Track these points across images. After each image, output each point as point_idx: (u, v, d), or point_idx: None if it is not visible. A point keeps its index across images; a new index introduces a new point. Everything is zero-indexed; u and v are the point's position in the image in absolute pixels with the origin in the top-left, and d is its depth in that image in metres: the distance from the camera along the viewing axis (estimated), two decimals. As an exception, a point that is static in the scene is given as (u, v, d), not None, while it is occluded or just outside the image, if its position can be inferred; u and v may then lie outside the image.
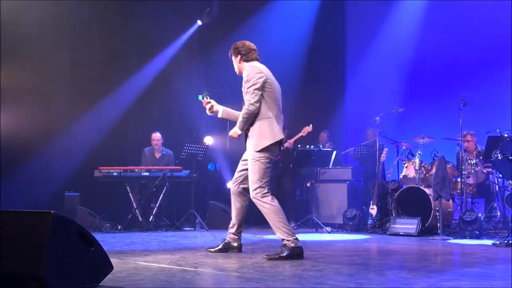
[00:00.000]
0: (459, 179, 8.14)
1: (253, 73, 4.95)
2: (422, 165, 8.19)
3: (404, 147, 8.62)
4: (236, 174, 5.20)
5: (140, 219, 8.47)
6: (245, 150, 5.10)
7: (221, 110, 5.28)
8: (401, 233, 7.56)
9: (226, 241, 5.26)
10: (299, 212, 9.20)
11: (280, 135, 4.91)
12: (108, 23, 9.33)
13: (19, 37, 8.35)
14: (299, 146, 8.91)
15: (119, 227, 8.11)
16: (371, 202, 8.58)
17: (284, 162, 8.92)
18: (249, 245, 5.99)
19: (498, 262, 4.86)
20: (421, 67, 10.89)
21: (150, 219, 8.48)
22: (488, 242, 6.53)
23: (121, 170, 8.45)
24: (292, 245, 4.76)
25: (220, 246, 5.26)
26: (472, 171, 8.04)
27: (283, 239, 4.80)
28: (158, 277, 3.73)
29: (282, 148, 5.23)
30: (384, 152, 8.80)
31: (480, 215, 7.41)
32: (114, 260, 3.55)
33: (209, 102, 5.32)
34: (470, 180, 8.09)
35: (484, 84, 9.98)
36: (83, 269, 3.14)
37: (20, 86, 8.43)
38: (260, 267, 4.22)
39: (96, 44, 9.13)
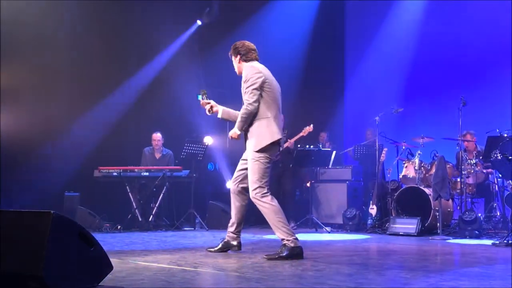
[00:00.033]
0: (458, 179, 8.15)
1: (251, 73, 4.95)
2: (422, 165, 8.19)
3: (403, 147, 8.63)
4: (236, 173, 5.20)
5: (140, 219, 8.47)
6: (245, 149, 5.10)
7: (221, 110, 5.28)
8: (400, 233, 7.56)
9: (225, 240, 5.27)
10: (299, 212, 9.21)
11: (277, 135, 4.90)
12: (108, 23, 9.33)
13: (19, 37, 8.35)
14: (298, 146, 8.92)
15: (119, 227, 8.11)
16: (371, 202, 8.59)
17: (284, 162, 8.92)
18: (249, 245, 5.99)
19: (498, 262, 4.86)
20: (421, 67, 10.90)
21: (150, 219, 8.48)
22: (488, 242, 6.54)
23: (121, 170, 8.46)
24: (292, 245, 4.76)
25: (220, 246, 5.26)
26: (472, 171, 8.05)
27: (282, 239, 4.80)
28: (158, 277, 3.73)
29: (281, 148, 5.23)
30: (383, 152, 8.81)
31: (479, 215, 7.41)
32: (113, 260, 3.55)
33: (209, 103, 5.32)
34: (470, 180, 8.09)
35: (483, 84, 9.99)
36: (82, 269, 3.14)
37: (20, 86, 8.43)
38: (259, 267, 4.22)
39: (96, 44, 9.13)
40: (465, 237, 7.13)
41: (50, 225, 2.95)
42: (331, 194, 9.22)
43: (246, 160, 5.03)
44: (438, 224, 7.43)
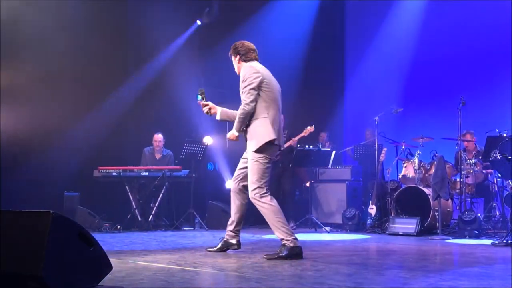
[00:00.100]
0: (458, 179, 8.16)
1: (249, 73, 4.95)
2: (421, 165, 8.20)
3: (403, 147, 8.63)
4: (237, 172, 5.20)
5: (140, 219, 8.47)
6: (245, 148, 5.10)
7: (219, 112, 5.27)
8: (400, 233, 7.57)
9: (224, 239, 5.27)
10: (299, 212, 9.21)
11: (273, 135, 4.86)
12: (108, 23, 9.33)
13: (19, 37, 8.35)
14: (298, 146, 8.92)
15: (119, 227, 8.11)
16: (370, 202, 8.59)
17: (284, 162, 8.93)
18: (249, 244, 5.99)
19: (497, 261, 4.87)
20: (420, 67, 10.90)
21: (150, 219, 8.49)
22: (487, 241, 6.54)
23: (121, 170, 8.46)
24: (291, 244, 4.76)
25: (219, 246, 5.26)
26: (471, 171, 8.05)
27: (282, 239, 4.80)
28: (157, 277, 3.73)
29: (282, 148, 5.23)
30: (383, 152, 8.82)
31: (479, 214, 7.41)
32: (113, 260, 3.55)
33: (207, 104, 5.31)
34: (469, 180, 8.10)
35: (483, 84, 10.00)
36: (82, 269, 3.14)
37: (20, 86, 8.43)
38: (259, 267, 4.22)
39: (96, 44, 9.13)
40: (464, 237, 7.14)
41: (49, 225, 2.95)
42: (330, 194, 9.22)
43: (247, 158, 5.04)
44: (437, 224, 7.43)
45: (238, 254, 5.09)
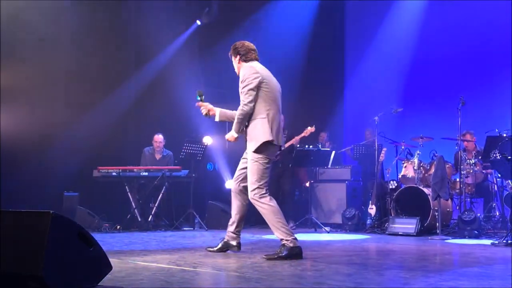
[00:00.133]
0: (457, 179, 8.16)
1: (248, 73, 4.94)
2: (421, 165, 8.20)
3: (403, 147, 8.63)
4: (237, 172, 5.19)
5: (139, 219, 8.46)
6: (245, 148, 5.10)
7: (218, 113, 5.25)
8: (400, 233, 7.56)
9: (225, 240, 5.26)
10: (298, 212, 9.20)
11: (270, 136, 4.85)
12: (108, 23, 9.33)
13: (19, 37, 8.35)
14: (298, 146, 8.91)
15: (118, 227, 8.10)
16: (370, 202, 8.59)
17: (284, 162, 8.93)
18: (248, 245, 5.99)
19: (497, 262, 4.86)
20: (420, 67, 10.91)
21: (149, 219, 8.48)
22: (487, 241, 6.54)
23: (120, 170, 8.45)
24: (291, 245, 4.76)
25: (219, 246, 5.26)
26: (471, 171, 8.05)
27: (281, 239, 4.80)
28: (157, 277, 3.73)
29: (283, 148, 5.23)
30: (383, 152, 8.82)
31: (479, 215, 7.41)
32: (113, 260, 3.55)
33: (206, 107, 5.28)
34: (469, 180, 8.09)
35: (483, 84, 10.00)
36: (82, 269, 3.14)
37: (20, 86, 8.42)
38: (259, 267, 4.22)
39: (95, 44, 9.13)
40: (464, 237, 7.14)
41: (49, 225, 2.95)
42: (330, 194, 9.22)
43: (247, 158, 5.03)
44: (437, 224, 7.43)
45: (238, 254, 5.09)
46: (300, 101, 10.78)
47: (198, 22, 10.53)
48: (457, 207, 8.07)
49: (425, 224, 7.64)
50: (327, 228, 8.39)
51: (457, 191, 8.15)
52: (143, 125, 9.58)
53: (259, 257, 4.81)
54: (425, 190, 7.81)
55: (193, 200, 8.85)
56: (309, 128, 8.82)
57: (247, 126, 4.96)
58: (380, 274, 4.03)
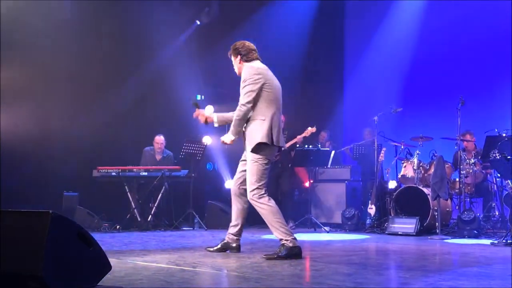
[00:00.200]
0: (457, 179, 8.16)
1: (250, 74, 4.93)
2: (421, 164, 8.20)
3: (402, 147, 8.63)
4: (237, 175, 5.17)
5: (139, 219, 8.46)
6: (244, 149, 5.09)
7: (216, 118, 5.22)
8: (399, 233, 7.57)
9: (225, 241, 5.25)
10: (298, 212, 9.20)
11: (266, 138, 4.83)
12: (107, 23, 9.32)
13: (19, 37, 8.35)
14: (297, 146, 8.91)
15: (118, 227, 8.10)
16: (370, 201, 8.59)
17: (283, 162, 8.93)
18: (248, 244, 5.99)
19: (497, 261, 4.86)
20: (420, 67, 10.91)
21: (149, 219, 8.48)
22: (487, 241, 6.54)
23: (120, 170, 8.45)
24: (290, 244, 4.76)
25: (219, 246, 5.25)
26: (471, 171, 8.05)
27: (281, 239, 4.80)
28: (157, 276, 3.73)
29: (283, 149, 5.22)
30: (382, 151, 8.81)
31: (478, 214, 7.42)
32: (112, 260, 3.55)
33: (203, 115, 5.24)
34: (469, 180, 8.10)
35: (483, 84, 10.00)
36: (81, 268, 3.14)
37: (20, 86, 8.42)
38: (258, 267, 4.22)
39: (95, 44, 9.13)
40: (463, 237, 7.14)
41: (49, 225, 2.95)
42: (330, 194, 9.22)
43: (246, 160, 5.03)
44: (436, 223, 7.43)
45: (238, 254, 5.08)
46: (300, 101, 10.78)
47: (198, 22, 10.52)
48: (457, 207, 8.07)
49: (425, 224, 7.64)
50: (327, 228, 8.39)
51: (457, 191, 8.16)
52: (143, 125, 9.58)
53: (259, 257, 4.81)
54: (425, 190, 7.81)
55: (193, 200, 8.85)
56: (309, 128, 8.81)
57: (245, 127, 4.96)
58: (379, 274, 4.04)
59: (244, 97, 4.88)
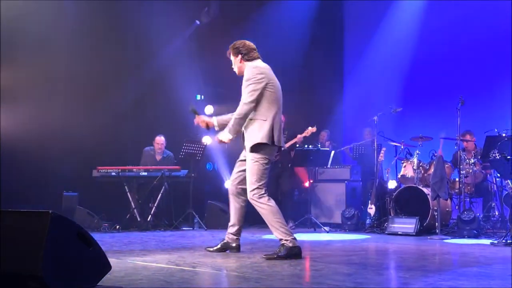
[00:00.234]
0: (456, 179, 8.16)
1: (254, 73, 4.91)
2: (420, 164, 8.20)
3: (402, 147, 8.63)
4: (234, 175, 5.17)
5: (139, 219, 8.47)
6: (243, 149, 5.09)
7: (216, 122, 5.18)
8: (399, 233, 7.57)
9: (224, 241, 5.26)
10: (298, 212, 9.19)
11: (266, 139, 4.83)
12: (107, 23, 9.32)
13: (19, 37, 8.35)
14: (297, 146, 8.91)
15: (118, 227, 8.10)
16: (369, 201, 8.59)
17: (283, 162, 8.92)
18: (248, 244, 5.99)
19: (497, 261, 4.86)
20: (420, 67, 10.90)
21: (149, 219, 8.48)
22: (486, 241, 6.55)
23: (119, 170, 8.45)
24: (290, 244, 4.76)
25: (218, 246, 5.25)
26: (470, 171, 8.05)
27: (281, 239, 4.80)
28: (157, 276, 3.73)
29: (283, 148, 5.22)
30: (382, 151, 8.82)
31: (478, 214, 7.42)
32: (112, 260, 3.55)
33: (204, 121, 5.19)
34: (468, 180, 8.09)
35: (482, 84, 10.00)
36: (81, 268, 3.14)
37: (20, 86, 8.42)
38: (258, 267, 4.22)
39: (95, 44, 9.12)
40: (463, 237, 7.14)
41: (48, 225, 2.95)
42: (329, 194, 9.23)
43: (244, 160, 5.02)
44: (436, 223, 7.43)
45: (237, 254, 5.08)
46: (299, 101, 10.76)
47: (198, 22, 10.51)
48: (457, 207, 8.07)
49: (424, 224, 7.64)
50: (327, 228, 8.39)
51: (457, 191, 8.16)
52: (143, 125, 9.58)
53: (259, 257, 4.81)
54: (425, 190, 7.81)
55: (193, 200, 8.85)
56: (309, 128, 8.80)
57: (245, 127, 4.95)
58: (379, 273, 4.04)
59: (247, 96, 4.86)
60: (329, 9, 11.88)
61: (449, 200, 7.98)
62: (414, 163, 8.17)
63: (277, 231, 4.81)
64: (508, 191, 7.88)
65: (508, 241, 6.10)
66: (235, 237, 5.23)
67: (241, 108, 4.88)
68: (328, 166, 9.22)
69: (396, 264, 4.69)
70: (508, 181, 7.67)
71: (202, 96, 10.32)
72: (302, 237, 6.81)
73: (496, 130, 7.46)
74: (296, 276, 3.88)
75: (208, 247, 5.35)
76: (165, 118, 9.72)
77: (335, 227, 8.76)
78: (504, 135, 7.20)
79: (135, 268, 4.16)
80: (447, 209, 7.98)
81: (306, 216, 8.73)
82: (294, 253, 4.75)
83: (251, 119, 4.91)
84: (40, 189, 8.17)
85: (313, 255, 5.07)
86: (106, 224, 8.11)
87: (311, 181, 9.15)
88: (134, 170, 8.55)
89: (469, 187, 8.10)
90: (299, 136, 8.80)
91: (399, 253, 5.57)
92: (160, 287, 3.38)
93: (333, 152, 9.13)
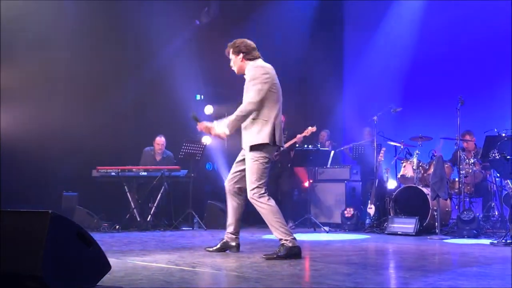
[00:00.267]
0: (456, 179, 8.16)
1: (259, 72, 4.89)
2: (420, 164, 8.20)
3: (402, 147, 8.63)
4: (232, 175, 5.16)
5: (138, 219, 8.47)
6: (242, 148, 5.08)
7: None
8: (399, 233, 7.57)
9: (224, 240, 5.26)
10: (297, 211, 9.20)
11: (267, 139, 4.83)
12: (107, 23, 9.32)
13: (19, 37, 8.35)
14: (297, 146, 8.90)
15: (117, 226, 8.10)
16: (369, 201, 8.59)
17: (283, 162, 8.92)
18: (247, 244, 5.99)
19: (496, 261, 4.86)
20: (420, 67, 10.90)
21: (148, 219, 8.48)
22: (486, 241, 6.55)
23: (119, 170, 8.45)
24: (290, 244, 4.76)
25: (218, 246, 5.26)
26: (470, 171, 8.05)
27: (280, 239, 4.80)
28: (156, 276, 3.73)
29: (282, 148, 5.21)
30: (382, 151, 8.82)
31: (478, 214, 7.42)
32: (112, 260, 3.55)
33: (206, 127, 5.08)
34: (468, 180, 8.09)
35: (482, 84, 10.00)
36: (81, 268, 3.14)
37: (20, 86, 8.43)
38: (258, 267, 4.22)
39: (95, 44, 9.13)
40: (463, 237, 7.14)
41: (48, 225, 2.95)
42: (329, 194, 9.23)
43: (242, 161, 5.02)
44: (436, 223, 7.44)
45: (237, 254, 5.09)
46: (299, 101, 10.78)
47: (197, 22, 10.51)
48: (456, 207, 8.08)
49: (424, 224, 7.65)
50: (326, 228, 8.39)
51: (456, 190, 8.16)
52: (143, 125, 9.58)
53: (258, 257, 4.81)
54: (424, 189, 7.81)
55: (192, 200, 8.85)
56: (309, 128, 8.80)
57: (245, 127, 4.94)
58: (379, 273, 4.04)
59: (255, 94, 4.82)
60: (329, 9, 11.87)
61: (448, 200, 7.98)
62: (413, 163, 8.18)
63: (277, 231, 4.81)
64: (508, 191, 7.88)
65: (508, 241, 6.11)
66: (234, 236, 5.23)
67: (246, 106, 4.85)
68: (328, 166, 9.22)
69: (395, 264, 4.70)
70: (508, 181, 7.67)
71: (202, 96, 10.32)
72: (302, 237, 6.81)
73: (495, 130, 7.46)
74: (296, 276, 3.88)
75: (207, 247, 5.35)
76: (165, 118, 9.72)
77: (335, 227, 8.76)
78: (503, 135, 7.21)
79: (135, 268, 4.16)
80: (447, 209, 7.99)
81: (306, 216, 8.74)
82: (293, 253, 4.75)
83: (253, 119, 4.89)
84: (40, 189, 8.17)
85: (313, 255, 5.07)
86: (106, 224, 8.11)
87: (311, 181, 9.15)
88: (134, 170, 8.55)
89: (468, 187, 8.10)
90: (299, 136, 8.79)
91: (399, 253, 5.57)
92: (160, 287, 3.38)
93: (332, 152, 9.13)
